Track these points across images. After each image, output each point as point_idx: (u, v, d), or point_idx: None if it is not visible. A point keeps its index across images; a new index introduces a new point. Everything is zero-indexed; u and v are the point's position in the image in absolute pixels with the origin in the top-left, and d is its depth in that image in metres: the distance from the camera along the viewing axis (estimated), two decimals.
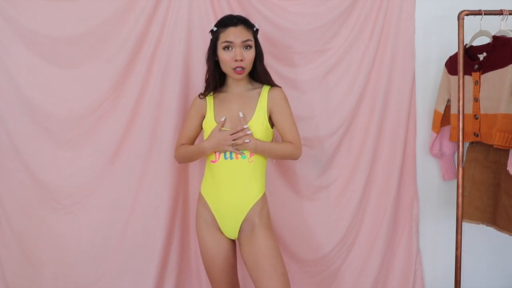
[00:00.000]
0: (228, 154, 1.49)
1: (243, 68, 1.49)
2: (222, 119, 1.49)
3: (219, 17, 1.83)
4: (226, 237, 1.54)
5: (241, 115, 1.49)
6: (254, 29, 1.55)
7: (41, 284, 1.86)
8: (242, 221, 1.50)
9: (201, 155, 1.57)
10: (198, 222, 1.56)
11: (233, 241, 1.57)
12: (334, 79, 1.93)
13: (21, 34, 1.79)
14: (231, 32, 1.49)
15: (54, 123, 1.83)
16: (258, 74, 1.57)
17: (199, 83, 1.84)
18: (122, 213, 1.87)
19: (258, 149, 1.48)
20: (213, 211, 1.52)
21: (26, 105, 1.82)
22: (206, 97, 1.60)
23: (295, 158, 1.57)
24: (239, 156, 1.48)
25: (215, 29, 1.53)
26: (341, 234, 1.97)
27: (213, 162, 1.52)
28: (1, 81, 1.82)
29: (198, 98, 1.61)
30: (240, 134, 1.46)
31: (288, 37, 1.88)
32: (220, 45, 1.50)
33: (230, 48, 1.48)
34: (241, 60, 1.47)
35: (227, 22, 1.52)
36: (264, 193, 1.55)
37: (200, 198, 1.58)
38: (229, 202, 1.50)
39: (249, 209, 1.49)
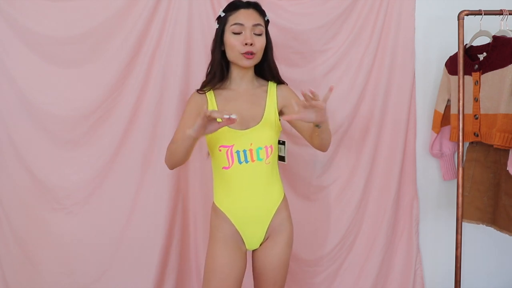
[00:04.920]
0: (242, 158, 1.36)
1: (253, 54, 1.36)
2: (234, 116, 1.15)
3: None
4: (243, 254, 1.41)
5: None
6: (266, 18, 1.45)
7: (41, 284, 1.86)
8: (267, 229, 1.40)
9: (188, 142, 1.26)
10: (214, 235, 1.40)
11: (246, 258, 1.45)
12: (334, 79, 1.93)
13: (21, 34, 1.79)
14: (242, 14, 1.38)
15: (54, 123, 1.83)
16: (269, 68, 1.45)
17: (199, 83, 1.83)
18: (122, 213, 1.87)
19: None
20: (234, 223, 1.38)
21: (26, 105, 1.82)
22: (206, 93, 1.44)
23: (328, 146, 1.39)
24: (254, 158, 1.36)
25: (223, 14, 1.42)
26: (341, 234, 1.97)
27: (226, 168, 1.37)
28: (1, 81, 1.81)
29: (196, 94, 1.45)
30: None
31: (288, 37, 1.87)
32: (229, 29, 1.38)
33: (240, 32, 1.36)
34: (251, 45, 1.35)
35: (237, 4, 1.41)
36: (285, 194, 1.48)
37: (215, 209, 1.42)
38: (252, 210, 1.38)
39: (273, 214, 1.40)
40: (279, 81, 1.49)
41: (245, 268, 1.43)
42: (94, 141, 1.85)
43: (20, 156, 1.83)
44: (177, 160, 1.37)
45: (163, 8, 1.82)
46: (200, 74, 1.85)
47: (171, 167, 1.43)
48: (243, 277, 1.40)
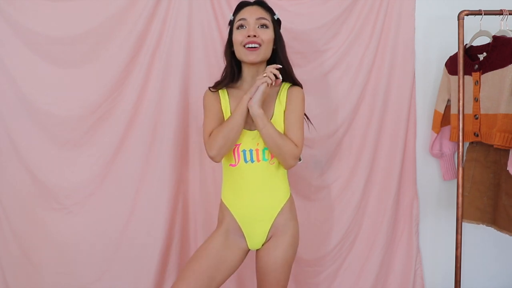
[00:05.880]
0: (248, 157, 1.37)
1: (256, 46, 1.35)
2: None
3: (219, 17, 1.84)
4: (241, 252, 1.42)
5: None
6: (275, 17, 1.45)
7: (41, 284, 1.86)
8: (269, 229, 1.40)
9: (242, 116, 1.32)
10: (217, 227, 1.43)
11: (244, 257, 1.45)
12: (334, 79, 1.93)
13: (21, 34, 1.79)
14: (246, 10, 1.41)
15: (54, 123, 1.83)
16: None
17: (199, 83, 1.85)
18: (122, 213, 1.87)
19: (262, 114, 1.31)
20: (238, 220, 1.40)
21: (26, 105, 1.82)
22: (219, 91, 1.44)
23: (290, 160, 1.36)
24: (260, 158, 1.37)
25: (232, 17, 1.45)
26: (341, 234, 1.97)
27: (233, 165, 1.39)
28: (1, 81, 1.81)
29: (209, 91, 1.44)
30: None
31: (288, 37, 1.86)
32: (235, 27, 1.40)
33: (243, 27, 1.38)
34: (254, 36, 1.35)
35: (243, 3, 1.44)
36: (291, 195, 1.46)
37: (222, 205, 1.44)
38: (254, 209, 1.38)
39: (276, 214, 1.39)
40: (294, 82, 1.47)
41: (237, 266, 1.42)
42: (94, 141, 1.85)
43: (20, 156, 1.84)
44: (234, 138, 1.34)
45: (163, 8, 1.82)
46: (200, 74, 1.86)
47: (224, 153, 1.35)
48: (229, 273, 1.39)
